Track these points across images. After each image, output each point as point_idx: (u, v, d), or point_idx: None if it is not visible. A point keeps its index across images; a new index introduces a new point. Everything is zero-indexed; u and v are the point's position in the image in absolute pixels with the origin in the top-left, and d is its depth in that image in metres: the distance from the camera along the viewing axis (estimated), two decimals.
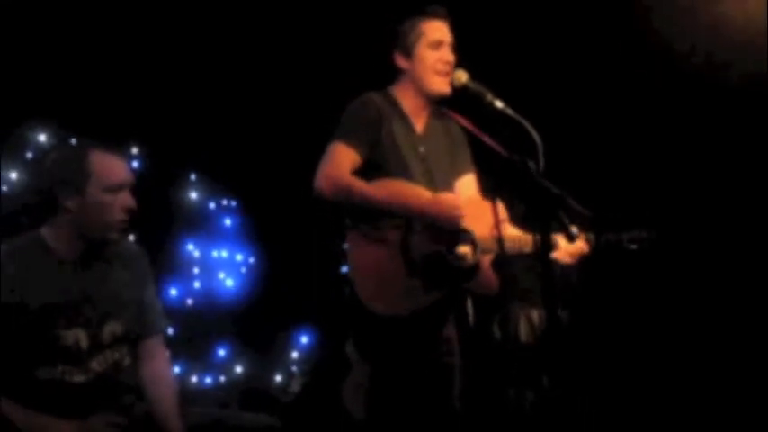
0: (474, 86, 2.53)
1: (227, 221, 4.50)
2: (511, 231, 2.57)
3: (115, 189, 2.19)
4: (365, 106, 2.60)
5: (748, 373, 3.59)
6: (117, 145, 2.31)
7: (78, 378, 2.18)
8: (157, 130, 3.98)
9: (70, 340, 2.16)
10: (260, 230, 4.49)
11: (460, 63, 2.63)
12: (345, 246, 2.52)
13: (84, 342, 2.19)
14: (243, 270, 4.50)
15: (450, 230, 2.50)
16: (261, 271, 4.52)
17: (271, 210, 4.34)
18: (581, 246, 2.52)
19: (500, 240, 2.38)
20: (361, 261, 2.48)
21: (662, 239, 2.58)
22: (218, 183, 4.41)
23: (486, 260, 2.53)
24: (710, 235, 3.67)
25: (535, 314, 3.58)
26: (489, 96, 2.46)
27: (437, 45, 2.61)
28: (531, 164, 2.11)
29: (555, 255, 2.53)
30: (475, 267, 2.50)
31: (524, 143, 2.19)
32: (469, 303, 2.69)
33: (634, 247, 2.55)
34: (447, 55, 2.61)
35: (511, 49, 3.86)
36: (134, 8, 3.81)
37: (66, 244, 2.20)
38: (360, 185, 2.49)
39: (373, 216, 2.49)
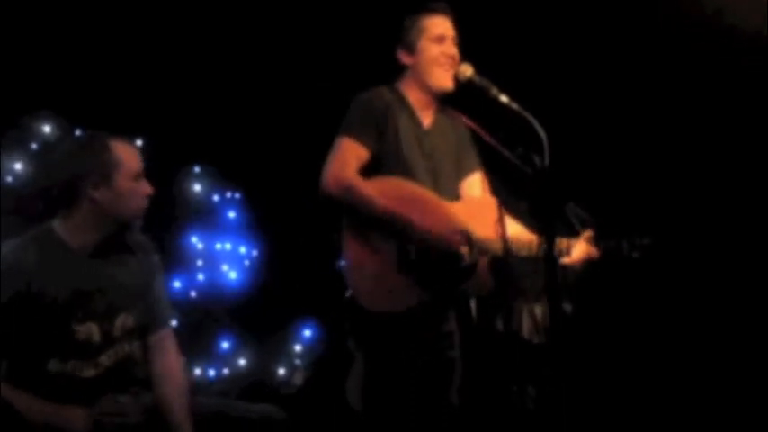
0: (479, 80, 2.52)
1: (231, 214, 4.49)
2: (512, 233, 2.56)
3: (138, 176, 2.23)
4: (373, 99, 2.59)
5: (748, 372, 3.59)
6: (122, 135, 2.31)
7: (88, 373, 2.19)
8: (161, 122, 3.98)
9: (83, 335, 2.17)
10: (264, 223, 4.49)
11: (465, 57, 2.62)
12: (341, 242, 2.51)
13: (96, 336, 2.20)
14: (246, 263, 4.50)
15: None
16: (264, 264, 4.51)
17: (275, 202, 4.34)
18: (591, 250, 2.51)
19: (505, 241, 2.37)
20: (355, 259, 2.47)
21: (663, 243, 2.57)
22: (221, 175, 4.40)
23: (483, 261, 2.52)
24: (712, 238, 3.66)
25: (538, 310, 3.58)
26: (494, 91, 2.45)
27: (439, 39, 2.60)
28: (537, 159, 2.11)
29: (565, 260, 2.52)
30: (471, 268, 2.49)
31: (529, 138, 2.19)
32: (472, 301, 2.68)
33: (636, 254, 2.53)
34: (450, 48, 2.60)
35: (515, 44, 3.84)
36: (140, 1, 3.80)
37: (79, 236, 2.20)
38: (364, 192, 2.47)
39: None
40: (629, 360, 3.77)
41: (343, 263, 2.50)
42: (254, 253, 4.53)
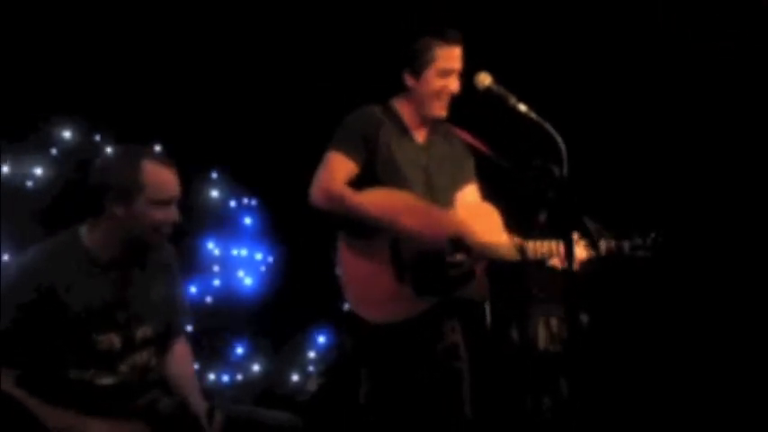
0: (497, 89, 2.51)
1: (248, 220, 4.51)
2: (504, 238, 2.56)
3: (163, 203, 2.19)
4: (362, 117, 2.62)
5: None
6: (144, 144, 2.32)
7: (107, 381, 2.20)
8: (179, 127, 4.00)
9: (105, 345, 2.18)
10: (280, 230, 4.50)
11: (483, 66, 2.62)
12: (336, 253, 2.51)
13: (117, 346, 2.20)
14: (262, 269, 4.51)
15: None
16: (280, 270, 4.52)
17: (291, 209, 4.34)
18: (580, 252, 2.49)
19: (522, 248, 2.37)
20: (351, 271, 2.48)
21: (672, 244, 2.56)
22: (238, 181, 4.42)
23: (480, 267, 2.51)
24: (721, 239, 3.64)
25: (554, 320, 3.57)
26: (513, 100, 2.44)
27: (446, 73, 2.61)
28: (555, 169, 2.10)
29: (553, 261, 2.52)
30: (469, 274, 2.49)
31: (548, 147, 2.18)
32: (487, 308, 2.68)
33: (641, 253, 2.52)
34: (453, 83, 2.62)
35: (533, 52, 3.84)
36: (158, 6, 3.83)
37: (104, 246, 2.21)
38: (353, 197, 2.48)
39: (363, 225, 2.48)
40: (645, 371, 3.75)
41: (338, 276, 2.50)
42: (270, 259, 4.55)
